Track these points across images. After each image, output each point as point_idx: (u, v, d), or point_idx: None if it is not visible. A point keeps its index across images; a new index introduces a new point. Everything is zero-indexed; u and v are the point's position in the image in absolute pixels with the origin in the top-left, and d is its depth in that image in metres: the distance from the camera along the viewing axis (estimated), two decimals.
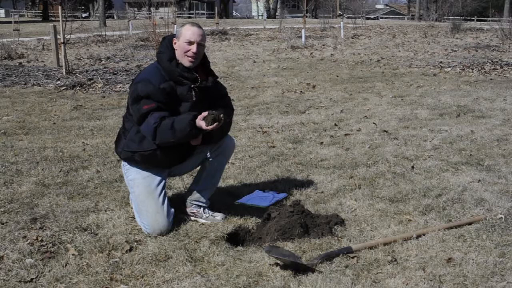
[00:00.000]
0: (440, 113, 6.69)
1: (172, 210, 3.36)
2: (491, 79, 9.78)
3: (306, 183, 4.13)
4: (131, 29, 21.77)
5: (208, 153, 3.46)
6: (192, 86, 3.26)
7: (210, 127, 3.08)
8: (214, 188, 3.62)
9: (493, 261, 2.84)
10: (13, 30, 20.05)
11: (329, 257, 2.88)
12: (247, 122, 6.39)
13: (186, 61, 3.25)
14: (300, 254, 2.94)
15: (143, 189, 3.31)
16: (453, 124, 6.07)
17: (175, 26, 3.11)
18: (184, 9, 59.07)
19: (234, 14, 67.30)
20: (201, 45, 3.27)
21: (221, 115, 3.10)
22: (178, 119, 3.15)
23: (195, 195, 3.49)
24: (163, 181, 3.37)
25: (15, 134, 5.78)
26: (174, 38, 3.31)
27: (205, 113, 3.11)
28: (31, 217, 3.47)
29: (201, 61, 3.35)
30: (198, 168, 3.59)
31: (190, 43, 3.23)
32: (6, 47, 13.91)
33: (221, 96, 3.46)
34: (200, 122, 3.10)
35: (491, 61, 12.19)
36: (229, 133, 3.55)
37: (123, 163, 3.45)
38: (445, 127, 5.94)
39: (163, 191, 3.34)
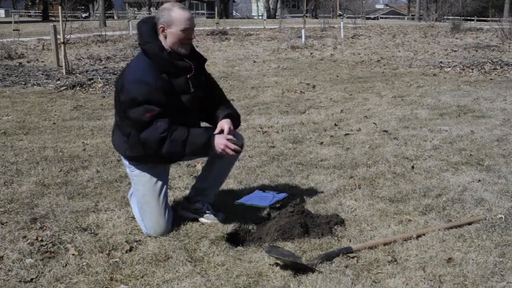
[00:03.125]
0: (440, 113, 6.69)
1: (171, 212, 3.35)
2: (491, 79, 9.78)
3: (306, 183, 4.13)
4: (131, 29, 21.73)
5: None
6: (188, 76, 3.12)
7: (231, 153, 3.03)
8: (221, 185, 3.60)
9: (493, 261, 2.84)
10: (13, 30, 20.04)
11: (329, 257, 2.87)
12: (247, 122, 6.39)
13: (182, 50, 3.08)
14: (300, 254, 2.94)
15: (150, 189, 3.25)
16: (453, 124, 6.07)
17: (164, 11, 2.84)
18: None
19: (234, 14, 67.28)
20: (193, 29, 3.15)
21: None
22: (192, 136, 2.99)
23: (202, 192, 3.45)
24: (167, 183, 3.35)
25: (15, 134, 5.78)
26: (162, 25, 3.04)
27: (228, 137, 3.04)
28: (31, 217, 3.47)
29: None
30: (204, 164, 3.54)
31: (188, 30, 3.06)
32: (6, 47, 13.91)
33: (211, 82, 3.37)
34: (219, 143, 3.01)
35: (491, 61, 12.18)
36: None
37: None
38: (445, 127, 5.94)
39: (166, 193, 3.32)
